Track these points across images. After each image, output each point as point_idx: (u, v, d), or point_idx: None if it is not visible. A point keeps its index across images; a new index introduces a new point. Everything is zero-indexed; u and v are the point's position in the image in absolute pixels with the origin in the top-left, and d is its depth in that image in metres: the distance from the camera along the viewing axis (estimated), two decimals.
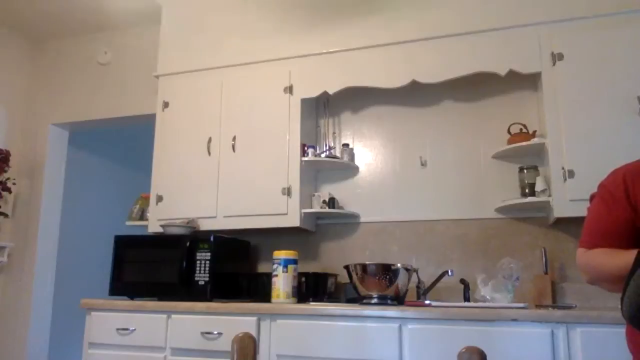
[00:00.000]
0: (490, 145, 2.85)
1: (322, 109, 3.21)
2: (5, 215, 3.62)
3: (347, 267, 2.51)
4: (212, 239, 2.72)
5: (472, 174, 2.87)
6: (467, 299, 2.59)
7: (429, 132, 2.99)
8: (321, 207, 2.92)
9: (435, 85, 2.84)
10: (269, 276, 2.64)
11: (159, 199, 3.07)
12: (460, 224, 2.84)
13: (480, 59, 2.65)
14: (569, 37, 2.52)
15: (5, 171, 3.56)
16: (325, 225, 3.08)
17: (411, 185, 2.96)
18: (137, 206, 3.38)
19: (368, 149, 3.10)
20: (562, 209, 2.40)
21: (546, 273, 2.57)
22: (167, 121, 3.16)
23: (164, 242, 2.80)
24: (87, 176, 4.56)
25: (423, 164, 2.96)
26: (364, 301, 2.44)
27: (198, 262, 2.70)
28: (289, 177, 2.84)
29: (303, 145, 2.93)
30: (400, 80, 2.77)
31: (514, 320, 2.04)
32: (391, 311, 2.20)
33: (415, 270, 2.60)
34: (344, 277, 2.73)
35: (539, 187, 2.56)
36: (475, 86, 2.92)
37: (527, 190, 2.63)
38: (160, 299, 2.70)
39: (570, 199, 2.37)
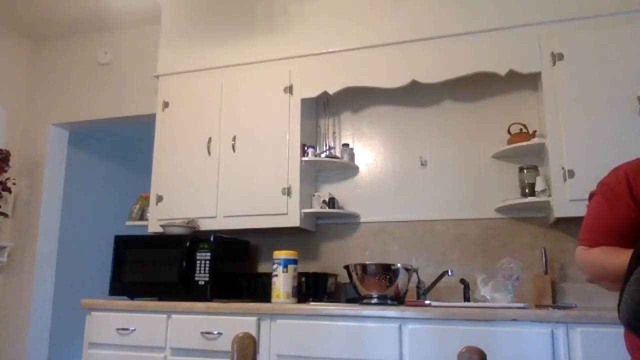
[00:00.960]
0: (490, 145, 2.85)
1: (322, 109, 3.21)
2: (5, 215, 3.62)
3: (347, 267, 2.51)
4: (212, 239, 2.72)
5: (472, 174, 2.87)
6: (467, 299, 2.59)
7: (429, 132, 2.99)
8: (321, 207, 2.92)
9: (435, 85, 2.84)
10: (269, 276, 2.64)
11: (159, 199, 3.07)
12: (460, 224, 2.84)
13: (480, 59, 2.65)
14: (569, 37, 2.52)
15: (5, 171, 3.56)
16: (325, 225, 3.08)
17: (411, 185, 2.96)
18: (137, 206, 3.38)
19: (368, 149, 3.10)
20: (562, 208, 2.40)
21: (546, 273, 2.57)
22: (167, 121, 3.16)
23: (164, 242, 2.80)
24: (87, 176, 4.55)
25: (423, 164, 2.96)
26: (364, 301, 2.44)
27: (198, 262, 2.70)
28: (289, 177, 2.84)
29: (303, 145, 2.93)
30: (400, 80, 2.77)
31: (514, 320, 2.04)
32: (391, 311, 2.20)
33: (415, 270, 2.60)
34: (344, 277, 2.73)
35: (539, 187, 2.56)
36: (475, 86, 2.92)
37: (527, 190, 2.63)
38: (160, 299, 2.70)
39: (570, 198, 2.37)
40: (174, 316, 2.54)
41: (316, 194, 2.98)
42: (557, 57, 2.51)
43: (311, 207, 2.93)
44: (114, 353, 2.60)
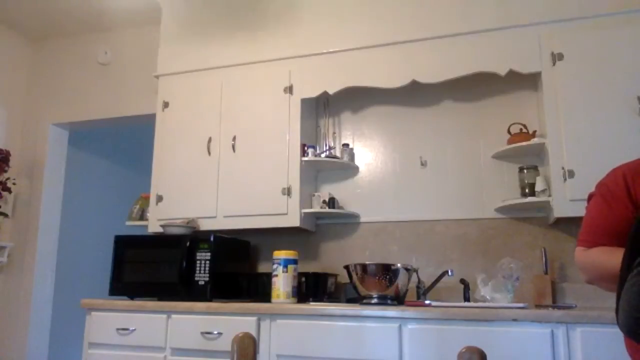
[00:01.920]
0: (490, 145, 2.85)
1: (322, 109, 3.21)
2: (5, 215, 3.62)
3: (347, 267, 2.51)
4: (212, 239, 2.72)
5: (472, 174, 2.87)
6: (467, 299, 2.59)
7: (429, 132, 2.99)
8: (321, 207, 2.92)
9: (435, 85, 2.84)
10: (269, 276, 2.64)
11: (159, 199, 3.07)
12: (460, 224, 2.84)
13: (480, 59, 2.65)
14: (569, 37, 2.52)
15: (5, 171, 3.56)
16: (325, 225, 3.08)
17: (411, 185, 2.96)
18: (137, 206, 3.38)
19: (368, 149, 3.10)
20: (562, 208, 2.40)
21: (546, 273, 2.57)
22: (167, 121, 3.16)
23: (164, 242, 2.80)
24: (87, 176, 4.56)
25: (423, 164, 2.97)
26: (364, 301, 2.44)
27: (198, 262, 2.70)
28: (289, 177, 2.84)
29: (303, 145, 2.93)
30: (400, 80, 2.77)
31: (514, 320, 2.04)
32: (391, 311, 2.20)
33: (415, 270, 2.60)
34: (344, 277, 2.73)
35: (539, 187, 2.56)
36: (475, 86, 2.92)
37: (527, 190, 2.63)
38: (160, 299, 2.70)
39: (570, 198, 2.37)
40: (174, 316, 2.54)
41: (316, 194, 2.98)
42: (557, 57, 2.51)
43: (311, 207, 2.93)
44: (114, 353, 2.60)
